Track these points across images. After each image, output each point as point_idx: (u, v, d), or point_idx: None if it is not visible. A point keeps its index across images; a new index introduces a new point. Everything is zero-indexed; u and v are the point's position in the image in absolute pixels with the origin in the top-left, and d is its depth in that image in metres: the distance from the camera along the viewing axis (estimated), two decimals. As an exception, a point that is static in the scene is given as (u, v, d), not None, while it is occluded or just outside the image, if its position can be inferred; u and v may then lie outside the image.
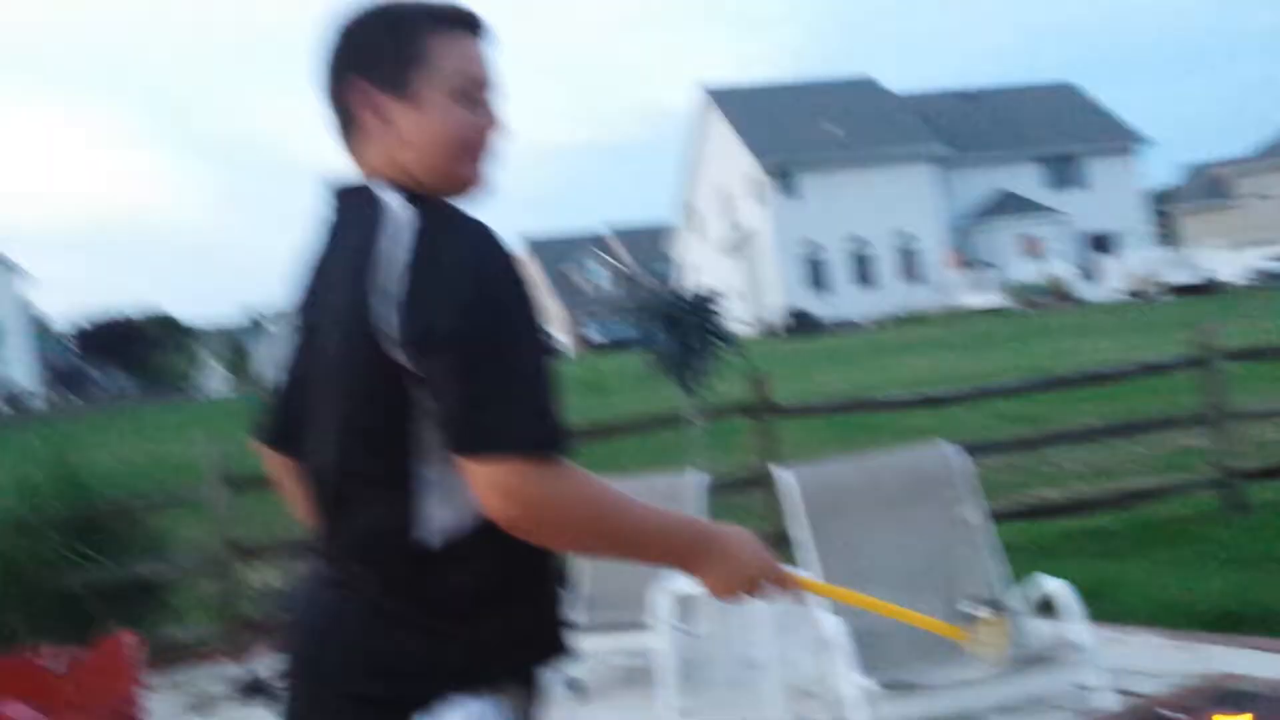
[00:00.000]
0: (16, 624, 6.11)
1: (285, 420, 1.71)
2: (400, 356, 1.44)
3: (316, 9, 1.66)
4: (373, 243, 1.47)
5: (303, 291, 1.65)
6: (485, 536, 1.48)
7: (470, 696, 1.49)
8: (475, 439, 1.41)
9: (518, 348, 1.44)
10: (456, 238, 1.48)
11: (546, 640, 1.60)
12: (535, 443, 1.41)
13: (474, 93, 1.60)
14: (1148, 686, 4.19)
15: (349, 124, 1.61)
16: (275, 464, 1.80)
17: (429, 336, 1.42)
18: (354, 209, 1.57)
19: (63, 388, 57.22)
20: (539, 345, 1.46)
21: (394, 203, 1.51)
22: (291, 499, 1.80)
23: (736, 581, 1.61)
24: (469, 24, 1.62)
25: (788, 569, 1.68)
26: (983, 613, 1.79)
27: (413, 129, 1.57)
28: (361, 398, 1.49)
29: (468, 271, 1.43)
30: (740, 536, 1.63)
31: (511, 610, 1.54)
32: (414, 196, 1.53)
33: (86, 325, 68.81)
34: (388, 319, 1.43)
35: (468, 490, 1.44)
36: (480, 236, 1.48)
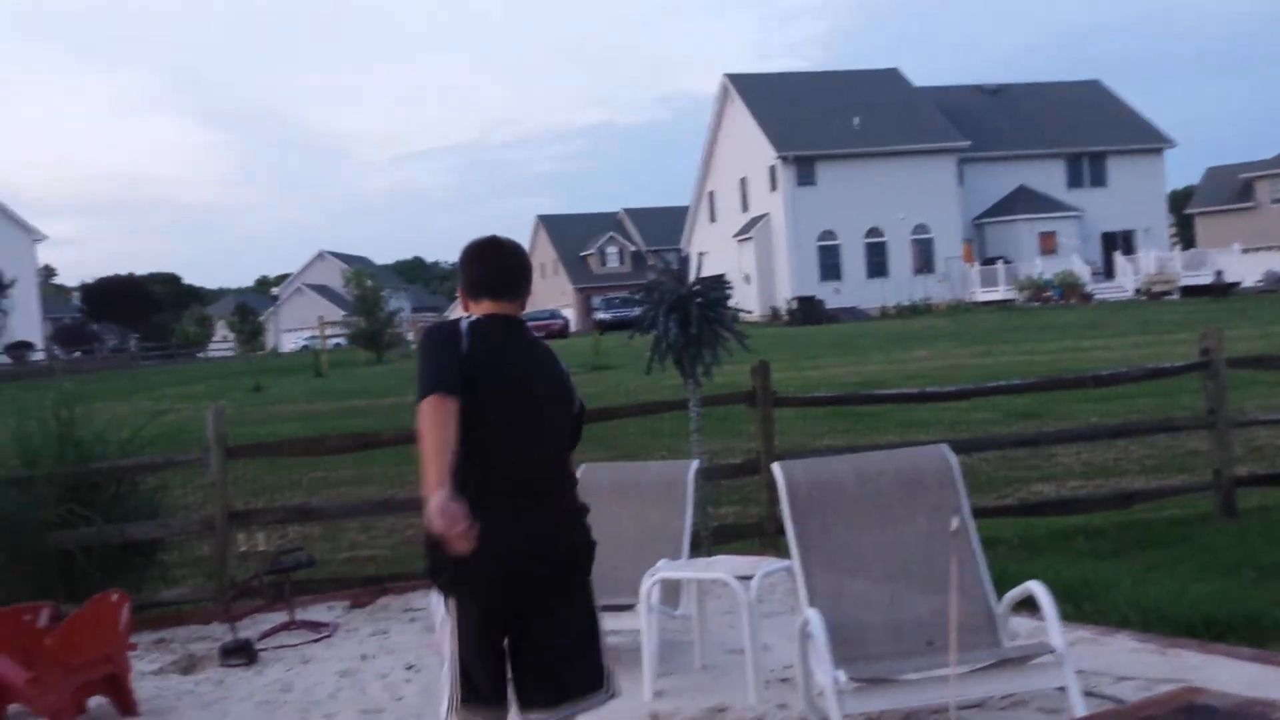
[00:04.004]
0: (9, 580, 6.16)
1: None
2: None
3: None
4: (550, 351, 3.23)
5: (513, 355, 3.10)
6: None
7: None
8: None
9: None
10: None
11: None
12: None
13: None
14: (1120, 691, 4.19)
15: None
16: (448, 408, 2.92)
17: None
18: (523, 328, 3.20)
19: (67, 344, 57.31)
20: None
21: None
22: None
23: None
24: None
25: None
26: None
27: None
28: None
29: None
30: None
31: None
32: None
33: (92, 283, 68.71)
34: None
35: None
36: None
